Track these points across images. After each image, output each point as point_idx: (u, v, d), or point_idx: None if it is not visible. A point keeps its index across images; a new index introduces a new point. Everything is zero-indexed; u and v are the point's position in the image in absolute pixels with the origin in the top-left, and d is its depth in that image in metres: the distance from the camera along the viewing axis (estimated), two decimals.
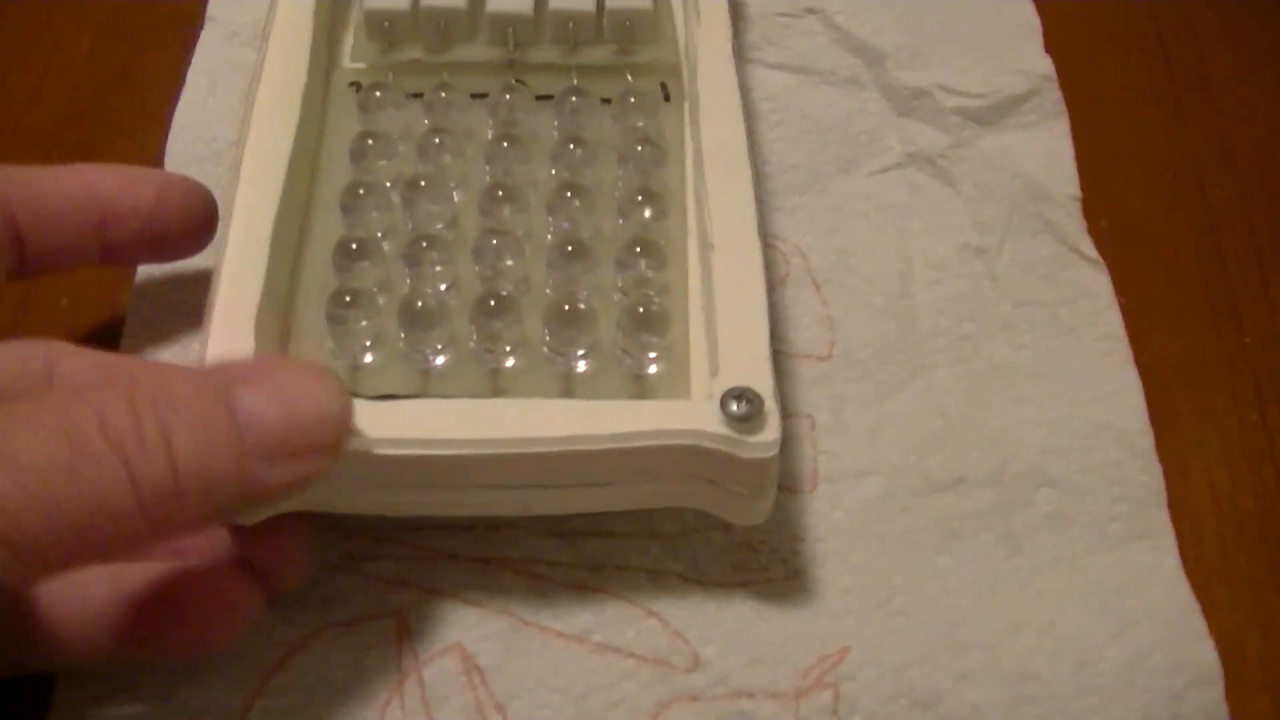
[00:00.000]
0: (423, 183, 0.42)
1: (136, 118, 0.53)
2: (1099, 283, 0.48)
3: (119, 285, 0.47)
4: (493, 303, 0.39)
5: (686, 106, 0.45)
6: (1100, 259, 0.48)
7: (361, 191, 0.41)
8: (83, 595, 0.36)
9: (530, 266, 0.41)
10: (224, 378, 0.32)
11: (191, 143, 0.51)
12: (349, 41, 0.47)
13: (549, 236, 0.42)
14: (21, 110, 0.54)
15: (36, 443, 0.29)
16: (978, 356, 0.46)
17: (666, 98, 0.46)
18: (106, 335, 0.46)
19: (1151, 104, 0.55)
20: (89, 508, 0.29)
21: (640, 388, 0.39)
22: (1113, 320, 0.47)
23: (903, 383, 0.45)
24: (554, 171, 0.43)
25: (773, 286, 0.47)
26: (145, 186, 0.42)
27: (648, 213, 0.42)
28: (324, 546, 0.41)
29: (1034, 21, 0.55)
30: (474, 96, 0.45)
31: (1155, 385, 0.46)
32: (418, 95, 0.45)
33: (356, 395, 0.38)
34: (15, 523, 0.28)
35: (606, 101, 0.45)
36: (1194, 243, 0.51)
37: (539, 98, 0.45)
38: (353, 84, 0.46)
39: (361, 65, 0.46)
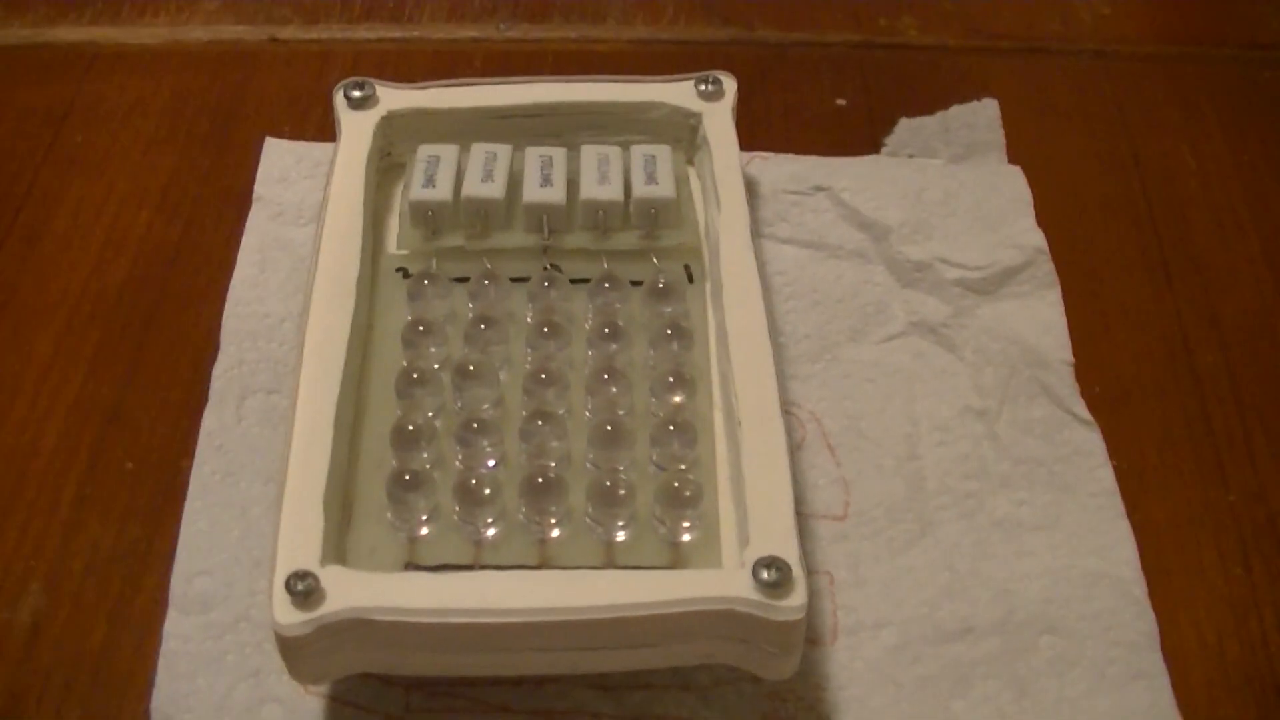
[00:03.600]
0: (471, 367, 0.47)
1: (192, 290, 0.58)
2: (1092, 442, 0.53)
3: (182, 449, 0.52)
4: (540, 481, 0.44)
5: (709, 286, 0.50)
6: (1093, 419, 0.53)
7: (415, 376, 0.46)
8: None
9: (572, 443, 0.46)
10: None
11: (246, 318, 0.56)
12: (394, 229, 0.52)
13: (588, 414, 0.47)
14: (84, 282, 0.58)
15: None
16: (981, 512, 0.51)
17: (690, 279, 0.51)
18: (169, 495, 0.51)
19: (1141, 273, 0.60)
20: None
21: (676, 554, 0.44)
22: (1105, 477, 0.52)
23: (913, 539, 0.50)
24: (591, 353, 0.48)
25: (791, 451, 0.50)
26: None
27: (678, 393, 0.47)
28: (386, 700, 0.45)
29: (1026, 195, 0.60)
30: (513, 280, 0.50)
31: (1146, 543, 0.50)
32: (462, 280, 0.50)
33: (416, 565, 0.43)
34: None
35: (636, 284, 0.50)
36: (1182, 407, 0.55)
37: (573, 281, 0.50)
38: (399, 269, 0.51)
39: (406, 251, 0.51)
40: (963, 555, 0.49)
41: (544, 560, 0.43)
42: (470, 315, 0.49)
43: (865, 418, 0.53)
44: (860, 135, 0.65)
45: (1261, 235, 0.61)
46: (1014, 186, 0.61)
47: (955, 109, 0.65)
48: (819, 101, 0.67)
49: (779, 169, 0.61)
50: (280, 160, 0.61)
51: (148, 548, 0.50)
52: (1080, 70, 0.69)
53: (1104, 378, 0.55)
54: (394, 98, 0.54)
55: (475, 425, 0.45)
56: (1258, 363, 0.57)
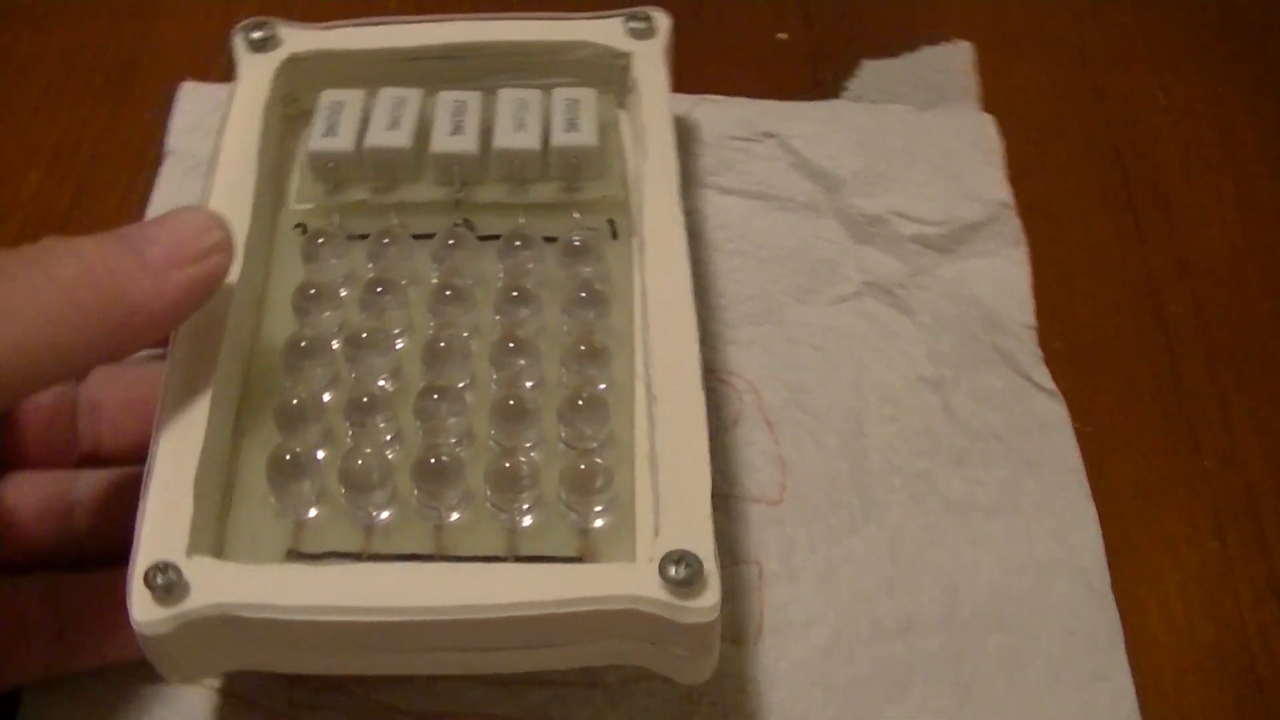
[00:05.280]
0: (364, 336, 0.43)
1: None
2: (1055, 414, 0.49)
3: None
4: (432, 463, 0.40)
5: (635, 242, 0.47)
6: (1056, 389, 0.50)
7: (303, 346, 0.43)
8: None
9: (473, 418, 0.43)
10: (113, 230, 0.39)
11: None
12: (295, 181, 0.49)
13: (493, 386, 0.44)
14: None
15: None
16: (932, 494, 0.47)
17: (614, 234, 0.48)
18: None
19: (1106, 217, 0.57)
20: (21, 298, 0.35)
21: (585, 542, 0.40)
22: (1069, 453, 0.48)
23: (855, 525, 0.47)
24: (498, 318, 0.45)
25: (725, 427, 0.49)
26: None
27: (591, 365, 0.43)
28: (269, 693, 0.43)
29: (996, 144, 0.57)
30: (419, 237, 0.47)
31: (1112, 513, 0.47)
32: (364, 237, 0.47)
33: (299, 553, 0.40)
34: None
35: (552, 240, 0.47)
36: (1151, 363, 0.52)
37: (486, 237, 0.47)
38: (298, 225, 0.48)
39: (309, 205, 0.48)
40: (908, 543, 0.46)
41: (440, 548, 0.40)
42: (368, 278, 0.45)
43: (809, 390, 0.50)
44: (802, 72, 0.61)
45: (1234, 174, 0.58)
46: (983, 135, 0.57)
47: (925, 51, 0.62)
48: (757, 36, 0.63)
49: (726, 113, 0.57)
50: (196, 107, 0.58)
51: None
52: None
53: (1065, 331, 0.52)
54: (298, 39, 0.50)
55: (366, 400, 0.42)
56: (1230, 313, 0.54)
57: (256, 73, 0.49)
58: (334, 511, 0.41)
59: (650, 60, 0.50)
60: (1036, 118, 0.60)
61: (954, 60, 0.61)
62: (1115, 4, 0.65)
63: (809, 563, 0.46)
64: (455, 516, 0.41)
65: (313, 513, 0.41)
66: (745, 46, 0.63)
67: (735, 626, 0.44)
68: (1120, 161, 0.59)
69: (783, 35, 0.63)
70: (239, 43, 0.50)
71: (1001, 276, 0.53)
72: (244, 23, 0.50)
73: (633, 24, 0.51)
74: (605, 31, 0.51)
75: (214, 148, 0.47)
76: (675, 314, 0.43)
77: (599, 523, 0.41)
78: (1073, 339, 0.52)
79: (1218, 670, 0.45)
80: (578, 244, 0.46)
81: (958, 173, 0.55)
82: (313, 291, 0.44)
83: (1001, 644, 0.44)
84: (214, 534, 0.40)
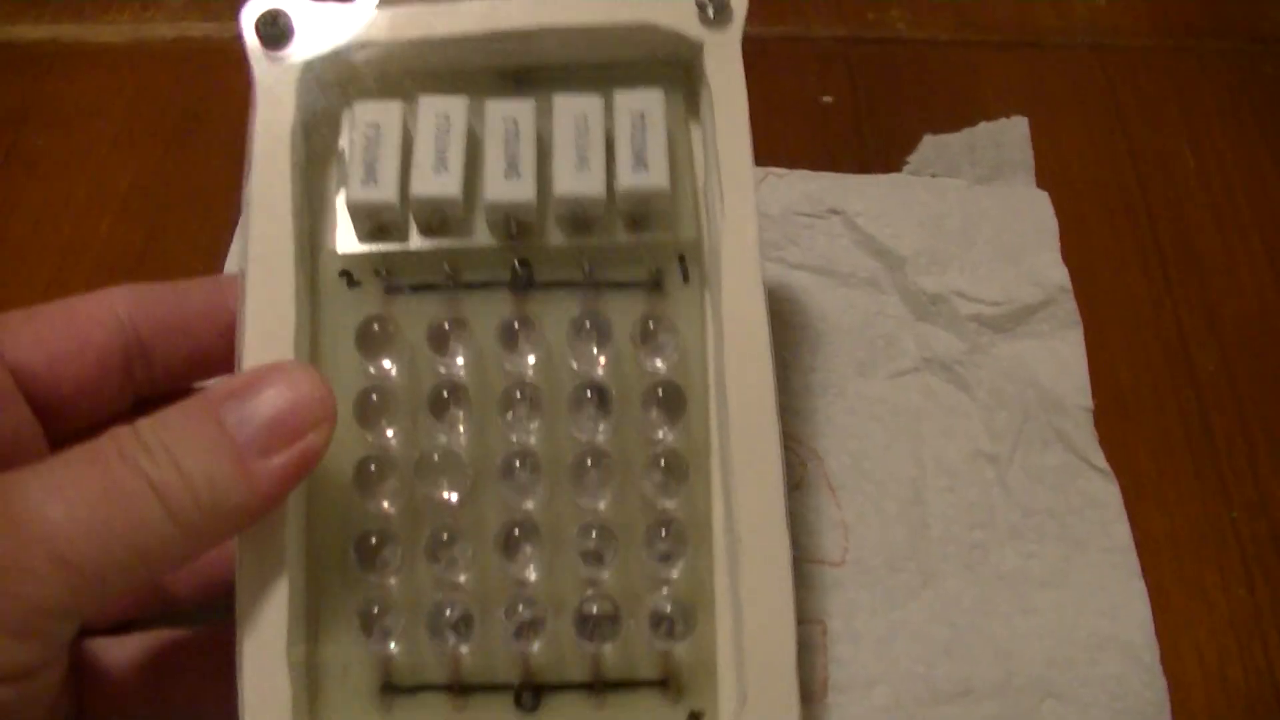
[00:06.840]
0: (436, 456, 0.41)
1: None
2: (1108, 493, 0.50)
3: None
4: (527, 622, 0.40)
5: (707, 296, 0.43)
6: (1110, 470, 0.50)
7: (374, 469, 0.41)
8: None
9: (553, 548, 0.41)
10: (209, 397, 0.37)
11: None
12: (335, 222, 0.44)
13: (571, 503, 0.42)
14: (43, 292, 0.57)
15: (75, 477, 0.35)
16: (986, 564, 0.48)
17: (685, 277, 0.44)
18: None
19: (1138, 275, 0.57)
20: (127, 520, 0.34)
21: (669, 664, 0.41)
22: (1121, 532, 0.49)
23: (913, 591, 0.48)
24: (572, 417, 0.42)
25: (788, 490, 0.47)
26: None
27: (671, 482, 0.41)
28: None
29: (1051, 224, 0.57)
30: (473, 286, 0.43)
31: (1145, 562, 0.49)
32: (415, 289, 0.43)
33: (393, 686, 0.40)
34: (72, 544, 0.33)
35: (622, 285, 0.43)
36: (1181, 415, 0.53)
37: (548, 284, 0.43)
38: (343, 274, 0.43)
39: (351, 251, 0.43)
40: (964, 611, 0.48)
41: (527, 677, 0.40)
42: (433, 381, 0.42)
43: (869, 458, 0.50)
44: (847, 134, 0.61)
45: (1263, 235, 0.59)
46: (1039, 214, 0.57)
47: (983, 126, 0.61)
48: (804, 98, 0.63)
49: (791, 188, 0.57)
50: None
51: None
52: (1075, 64, 0.65)
53: (1098, 384, 0.53)
54: (314, 27, 0.43)
55: (445, 535, 0.40)
56: (1260, 368, 0.55)
57: (275, 90, 0.43)
58: (419, 644, 0.40)
59: (725, 56, 0.44)
60: (1069, 178, 0.60)
61: (1010, 134, 0.62)
62: (1147, 67, 0.65)
63: (870, 625, 0.47)
64: (539, 648, 0.40)
65: (396, 646, 0.40)
66: (793, 108, 0.63)
67: (801, 683, 0.43)
68: (1151, 221, 0.59)
69: (828, 98, 0.62)
70: (250, 39, 0.43)
71: (1058, 358, 0.53)
72: (255, 11, 0.43)
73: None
74: (673, 11, 0.44)
75: (245, 193, 0.42)
76: (758, 437, 0.41)
77: (681, 650, 0.41)
78: (1104, 391, 0.53)
79: (1247, 713, 0.47)
80: (653, 326, 0.42)
81: (1014, 254, 0.56)
82: (375, 397, 0.41)
83: (1054, 712, 0.46)
84: (309, 666, 0.40)
